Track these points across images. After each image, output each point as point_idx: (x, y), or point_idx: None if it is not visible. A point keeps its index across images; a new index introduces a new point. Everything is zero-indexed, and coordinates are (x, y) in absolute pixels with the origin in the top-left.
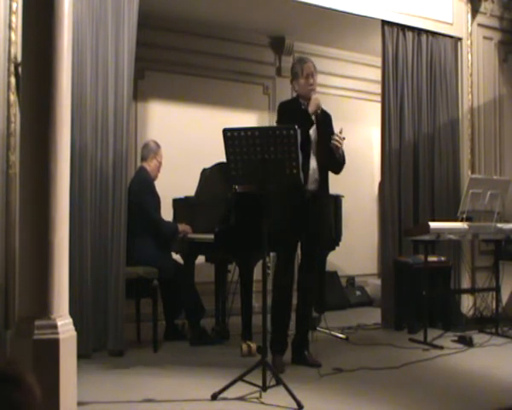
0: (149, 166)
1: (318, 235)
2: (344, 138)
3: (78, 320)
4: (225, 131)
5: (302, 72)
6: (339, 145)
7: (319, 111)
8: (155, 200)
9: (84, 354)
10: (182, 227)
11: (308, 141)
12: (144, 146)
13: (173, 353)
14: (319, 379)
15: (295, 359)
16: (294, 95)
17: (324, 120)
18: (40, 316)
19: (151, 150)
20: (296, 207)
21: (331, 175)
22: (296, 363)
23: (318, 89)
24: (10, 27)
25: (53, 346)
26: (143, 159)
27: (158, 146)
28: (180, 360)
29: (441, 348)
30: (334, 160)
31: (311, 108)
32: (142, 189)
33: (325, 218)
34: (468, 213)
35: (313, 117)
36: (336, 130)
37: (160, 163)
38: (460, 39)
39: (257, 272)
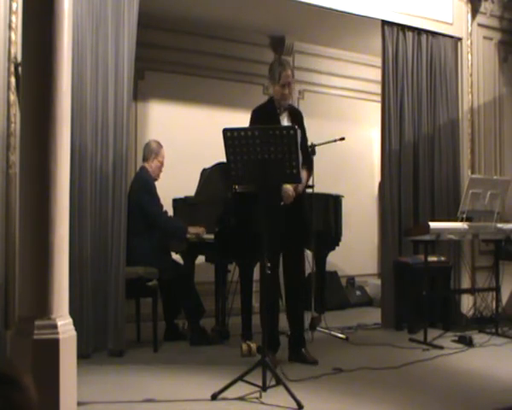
0: (151, 166)
1: (299, 234)
2: (343, 138)
3: (78, 320)
4: (225, 131)
5: (279, 79)
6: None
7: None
8: (153, 198)
9: (84, 354)
10: (194, 229)
11: None
12: (146, 146)
13: (173, 353)
14: (319, 379)
15: (292, 357)
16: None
17: (296, 118)
18: (40, 316)
19: (152, 151)
20: (275, 208)
21: (332, 175)
22: (293, 361)
23: (319, 89)
24: (10, 27)
25: (53, 346)
26: (144, 159)
27: (160, 146)
28: (180, 360)
29: (441, 348)
30: None
31: (283, 203)
32: (141, 188)
33: (305, 217)
34: (468, 213)
35: (286, 119)
36: (330, 132)
37: (161, 163)
38: (460, 39)
39: (257, 272)
